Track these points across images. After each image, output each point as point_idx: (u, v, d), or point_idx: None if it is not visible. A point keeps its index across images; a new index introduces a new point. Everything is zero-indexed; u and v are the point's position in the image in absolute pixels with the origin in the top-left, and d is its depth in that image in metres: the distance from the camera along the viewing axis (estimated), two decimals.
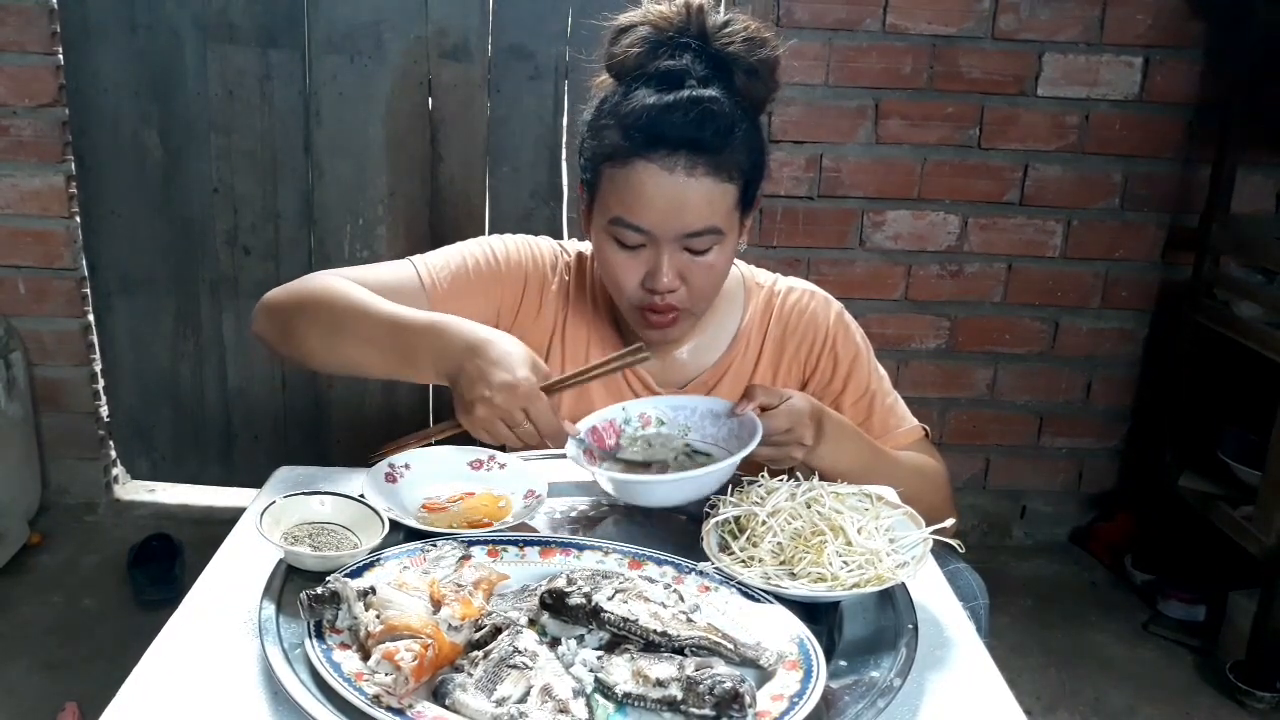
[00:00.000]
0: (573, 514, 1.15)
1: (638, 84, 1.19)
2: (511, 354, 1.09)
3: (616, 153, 1.17)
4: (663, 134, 1.14)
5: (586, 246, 1.37)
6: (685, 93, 1.16)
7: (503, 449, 1.15)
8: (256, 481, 1.20)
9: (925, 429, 1.40)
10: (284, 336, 1.24)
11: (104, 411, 2.70)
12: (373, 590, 0.84)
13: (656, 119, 1.15)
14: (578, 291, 1.36)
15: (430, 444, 1.19)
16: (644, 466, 1.20)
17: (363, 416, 2.70)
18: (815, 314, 1.37)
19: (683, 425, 1.24)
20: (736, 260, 1.40)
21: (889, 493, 1.14)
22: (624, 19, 1.23)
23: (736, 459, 1.10)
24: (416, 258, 1.32)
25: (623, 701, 0.78)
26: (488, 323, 1.33)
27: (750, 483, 1.09)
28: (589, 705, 0.78)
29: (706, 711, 0.76)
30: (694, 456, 1.21)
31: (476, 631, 0.85)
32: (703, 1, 1.21)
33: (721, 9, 1.23)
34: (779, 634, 0.88)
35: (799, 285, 1.41)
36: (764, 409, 1.17)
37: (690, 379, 1.35)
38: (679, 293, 1.22)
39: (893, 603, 0.95)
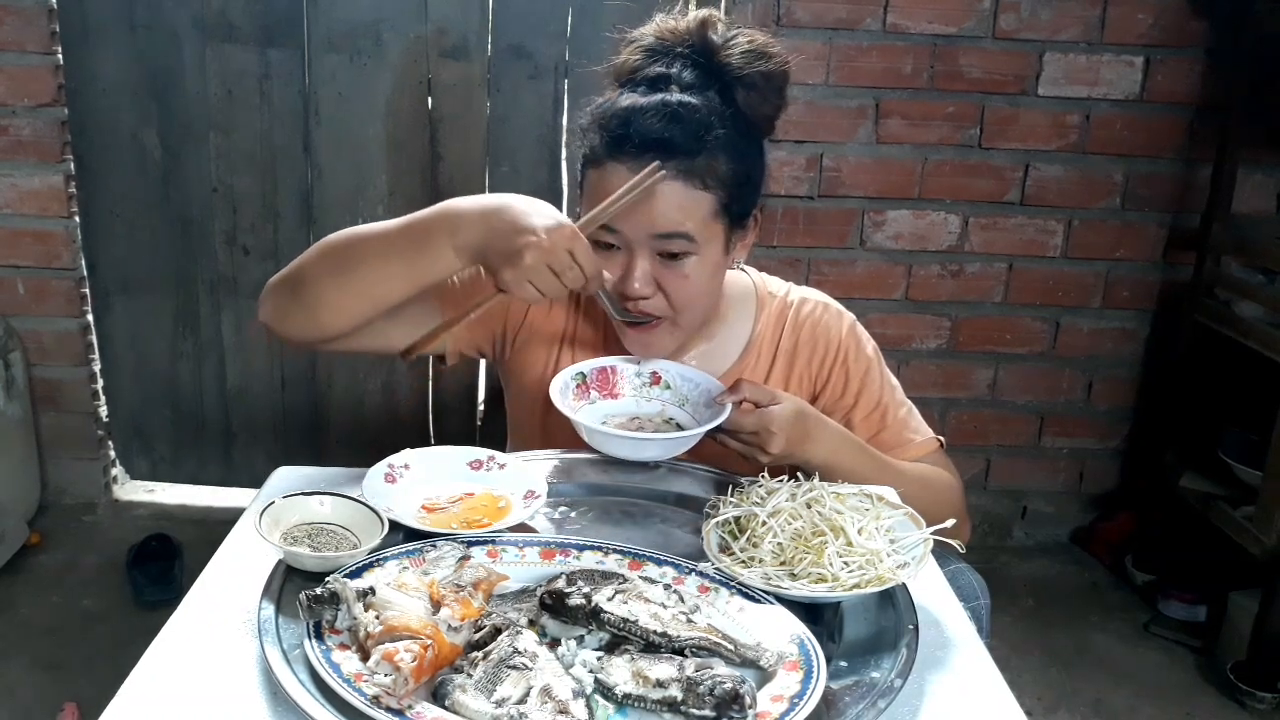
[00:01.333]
0: (573, 514, 1.14)
1: (625, 90, 1.21)
2: (537, 202, 1.10)
3: (592, 154, 1.20)
4: (629, 135, 1.16)
5: None
6: (659, 96, 1.17)
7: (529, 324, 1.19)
8: (256, 482, 1.19)
9: (941, 440, 1.38)
10: (295, 301, 1.20)
11: (103, 411, 2.70)
12: (372, 591, 0.84)
13: (626, 121, 1.16)
14: (588, 296, 1.35)
15: (469, 320, 1.17)
16: (629, 420, 1.26)
17: (362, 417, 2.70)
18: (828, 327, 1.36)
19: (683, 396, 1.28)
20: (748, 269, 1.39)
21: (889, 493, 1.14)
22: (636, 31, 1.25)
23: (690, 434, 1.17)
24: None
25: (623, 702, 0.78)
26: (499, 322, 1.33)
27: (751, 483, 1.09)
28: (589, 706, 0.77)
29: (706, 712, 0.75)
30: (670, 425, 1.27)
31: (476, 632, 0.85)
32: (709, 16, 1.22)
33: (721, 11, 1.24)
34: (779, 634, 0.87)
35: (812, 296, 1.39)
36: (755, 405, 1.18)
37: None
38: (656, 301, 1.21)
39: (893, 603, 0.95)
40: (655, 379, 1.29)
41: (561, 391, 1.22)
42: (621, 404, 1.27)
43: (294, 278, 1.22)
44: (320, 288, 1.18)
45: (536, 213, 1.08)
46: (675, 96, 1.17)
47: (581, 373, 1.25)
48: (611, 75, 1.25)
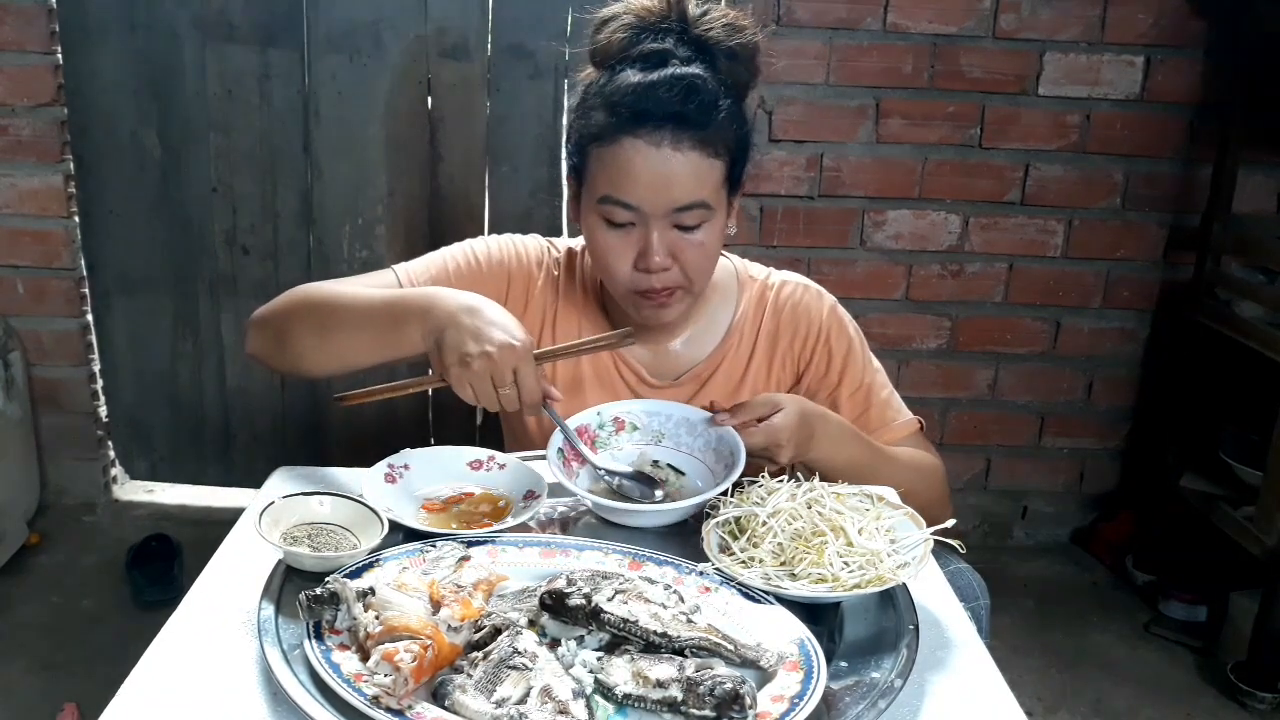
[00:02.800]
0: (572, 514, 1.14)
1: (622, 66, 1.21)
2: (509, 317, 1.11)
3: (603, 132, 1.19)
4: (648, 110, 1.16)
5: (576, 243, 1.38)
6: (669, 70, 1.18)
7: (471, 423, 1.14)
8: (255, 482, 1.20)
9: (920, 421, 1.40)
10: (278, 345, 1.25)
11: (102, 412, 2.70)
12: (372, 591, 0.84)
13: (642, 95, 1.16)
14: (567, 287, 1.36)
15: (407, 394, 1.19)
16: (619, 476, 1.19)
17: (362, 417, 2.69)
18: (809, 307, 1.38)
19: (656, 431, 1.24)
20: (729, 254, 1.41)
21: (890, 493, 1.14)
22: (606, 11, 1.25)
23: (714, 493, 1.09)
24: (399, 265, 1.32)
25: (623, 703, 0.78)
26: None
27: (750, 483, 1.09)
28: (589, 706, 0.77)
29: (707, 713, 0.75)
30: (661, 467, 1.21)
31: (476, 632, 0.85)
32: None
33: (722, 3, 1.24)
34: (779, 635, 0.87)
35: (792, 278, 1.41)
36: (757, 420, 1.17)
37: (683, 371, 1.35)
38: (672, 273, 1.21)
39: (894, 603, 0.95)
40: (619, 425, 1.24)
41: (566, 475, 1.14)
42: (598, 463, 1.19)
43: (277, 325, 1.25)
44: (302, 344, 1.23)
45: (502, 326, 1.09)
46: (684, 70, 1.18)
47: (560, 449, 1.18)
48: (594, 55, 1.25)
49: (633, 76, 1.18)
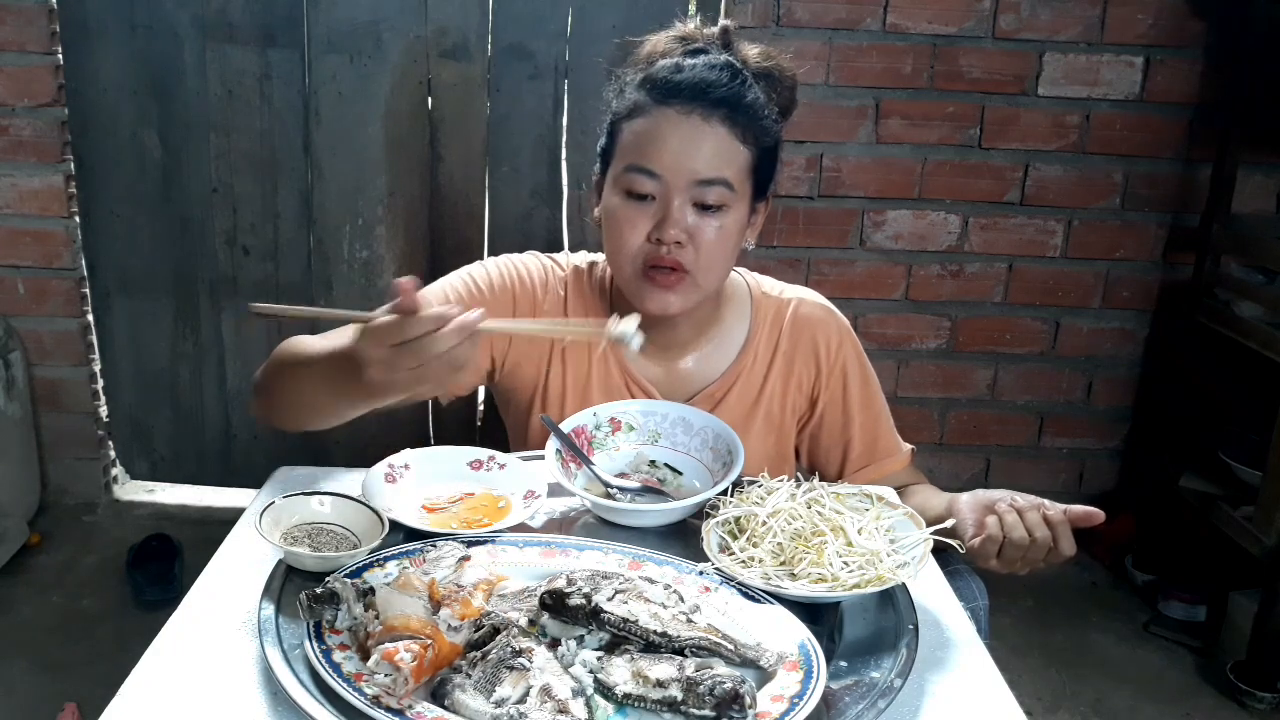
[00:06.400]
0: (571, 514, 1.14)
1: (662, 59, 1.26)
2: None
3: (636, 108, 1.21)
4: (680, 83, 1.19)
5: (582, 259, 1.36)
6: (706, 56, 1.23)
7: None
8: (256, 482, 1.19)
9: (913, 449, 1.41)
10: (273, 413, 1.17)
11: (103, 411, 2.70)
12: (372, 591, 0.84)
13: (677, 69, 1.21)
14: (575, 304, 1.33)
15: (328, 318, 1.09)
16: (618, 475, 1.19)
17: (362, 416, 2.69)
18: (829, 332, 1.36)
19: (652, 431, 1.23)
20: (741, 270, 1.39)
21: (889, 493, 1.14)
22: (656, 35, 1.31)
23: (713, 492, 1.09)
24: None
25: (622, 702, 0.78)
26: (485, 353, 1.32)
27: (750, 482, 1.09)
28: (588, 706, 0.77)
29: (706, 712, 0.76)
30: (658, 466, 1.21)
31: (476, 632, 0.85)
32: (728, 24, 1.30)
33: (722, 10, 1.26)
34: (779, 634, 0.87)
35: (809, 297, 1.39)
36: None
37: (697, 390, 1.33)
38: (685, 252, 1.19)
39: (893, 603, 0.95)
40: (615, 425, 1.23)
41: (565, 476, 1.14)
42: (608, 478, 1.18)
43: (262, 388, 1.17)
44: (286, 410, 1.14)
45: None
46: (721, 56, 1.23)
47: (558, 450, 1.17)
48: (638, 62, 1.28)
49: (670, 60, 1.23)
